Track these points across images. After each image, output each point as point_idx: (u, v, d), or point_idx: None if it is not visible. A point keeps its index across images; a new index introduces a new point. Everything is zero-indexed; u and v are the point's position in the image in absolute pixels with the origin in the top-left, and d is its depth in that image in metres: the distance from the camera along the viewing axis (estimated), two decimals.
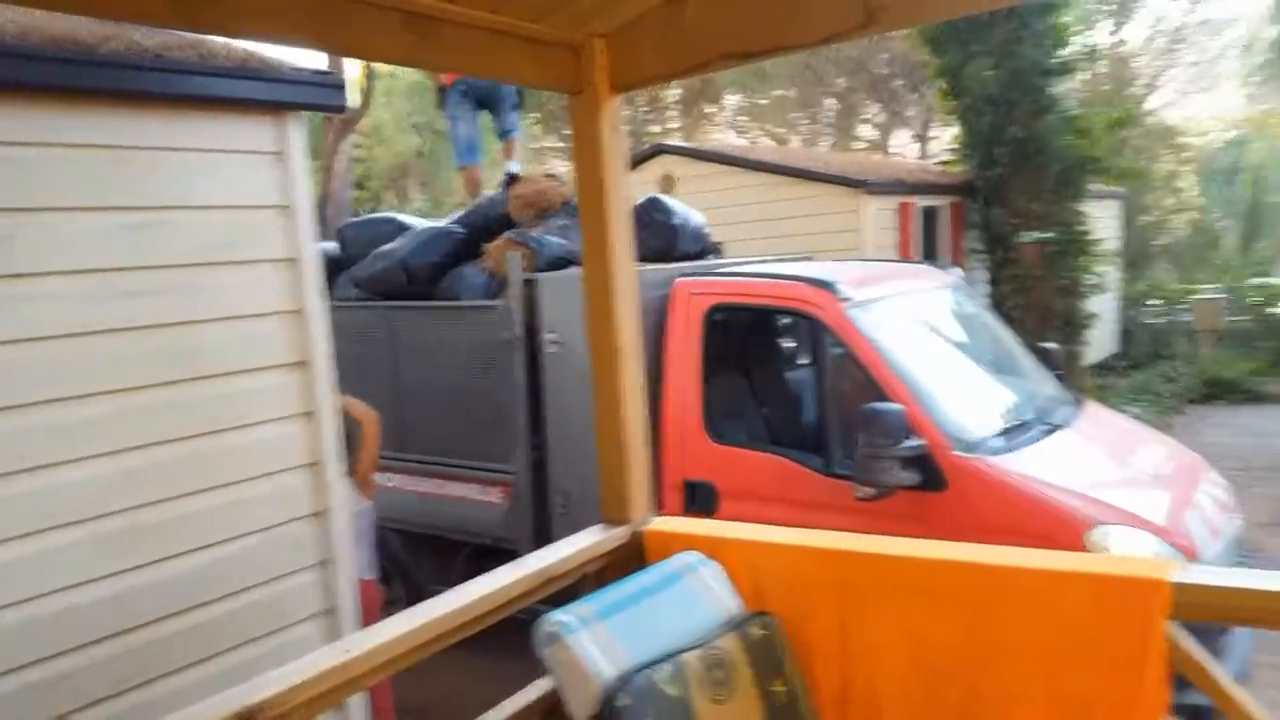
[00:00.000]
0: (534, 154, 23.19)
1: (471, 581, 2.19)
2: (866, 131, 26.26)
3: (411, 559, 5.70)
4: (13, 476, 2.73)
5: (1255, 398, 12.15)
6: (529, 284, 4.99)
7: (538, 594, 2.29)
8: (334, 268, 6.15)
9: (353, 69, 13.13)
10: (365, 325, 5.67)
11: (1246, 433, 10.39)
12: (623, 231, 2.40)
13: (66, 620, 2.85)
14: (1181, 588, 1.69)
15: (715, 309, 4.70)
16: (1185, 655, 1.71)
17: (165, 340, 3.05)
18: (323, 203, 11.36)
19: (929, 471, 3.87)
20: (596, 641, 1.93)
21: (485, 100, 6.81)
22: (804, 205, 9.64)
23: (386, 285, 5.62)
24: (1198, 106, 25.97)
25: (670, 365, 4.71)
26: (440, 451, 5.42)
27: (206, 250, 3.14)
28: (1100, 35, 21.64)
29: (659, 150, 11.27)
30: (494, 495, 5.26)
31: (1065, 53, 10.62)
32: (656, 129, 24.91)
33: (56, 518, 2.82)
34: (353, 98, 11.47)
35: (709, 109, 26.28)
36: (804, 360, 5.30)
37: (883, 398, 4.01)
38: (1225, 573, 2.52)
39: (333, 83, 3.36)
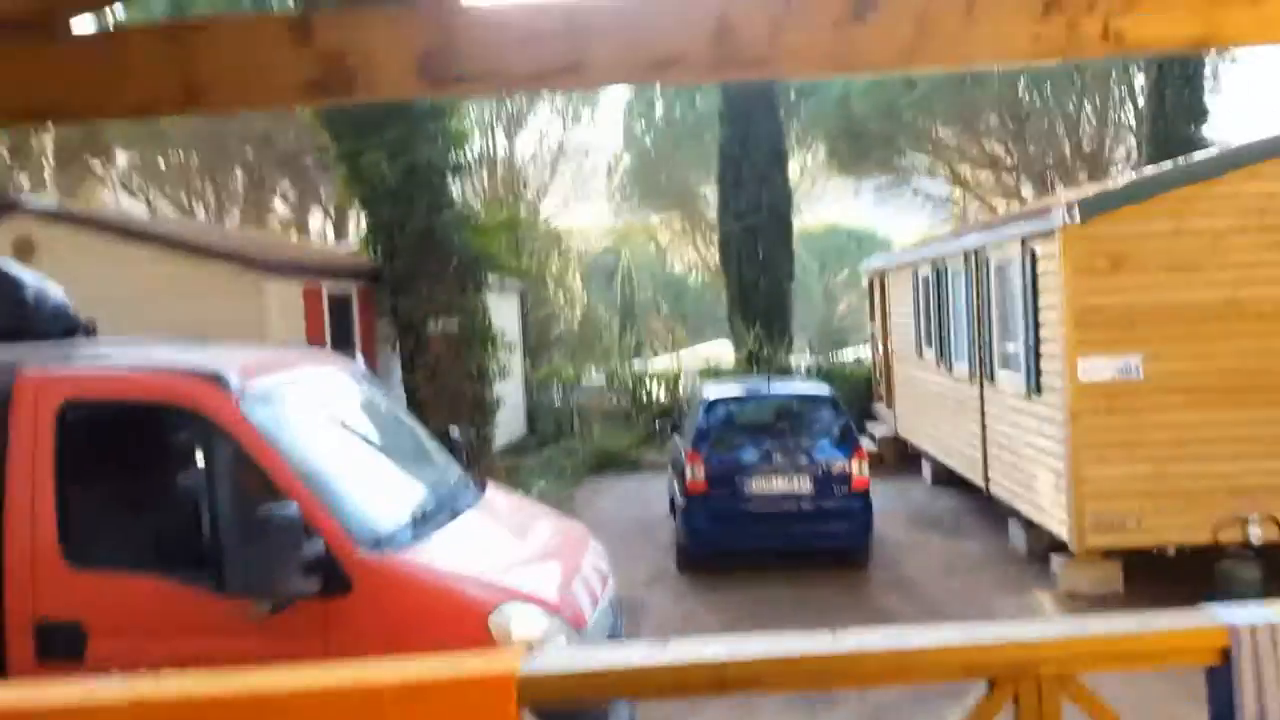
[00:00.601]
0: None
1: None
2: (281, 209, 25.47)
3: None
4: None
5: (635, 466, 14.30)
6: None
7: None
8: None
9: None
10: None
11: (629, 499, 12.13)
12: None
13: None
14: (529, 679, 1.75)
15: (74, 405, 3.94)
16: None
17: None
18: None
19: (331, 574, 3.63)
20: None
21: None
22: (202, 285, 8.86)
23: None
24: (579, 215, 30.37)
25: (13, 476, 3.81)
26: None
27: None
28: (496, 143, 24.21)
29: (11, 206, 9.46)
30: None
31: (460, 155, 11.51)
32: (25, 179, 21.02)
33: None
34: None
35: (96, 163, 23.03)
36: (190, 463, 4.71)
37: (278, 498, 3.69)
38: (573, 653, 2.70)
39: None
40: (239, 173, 23.81)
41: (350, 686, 1.79)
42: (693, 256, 33.39)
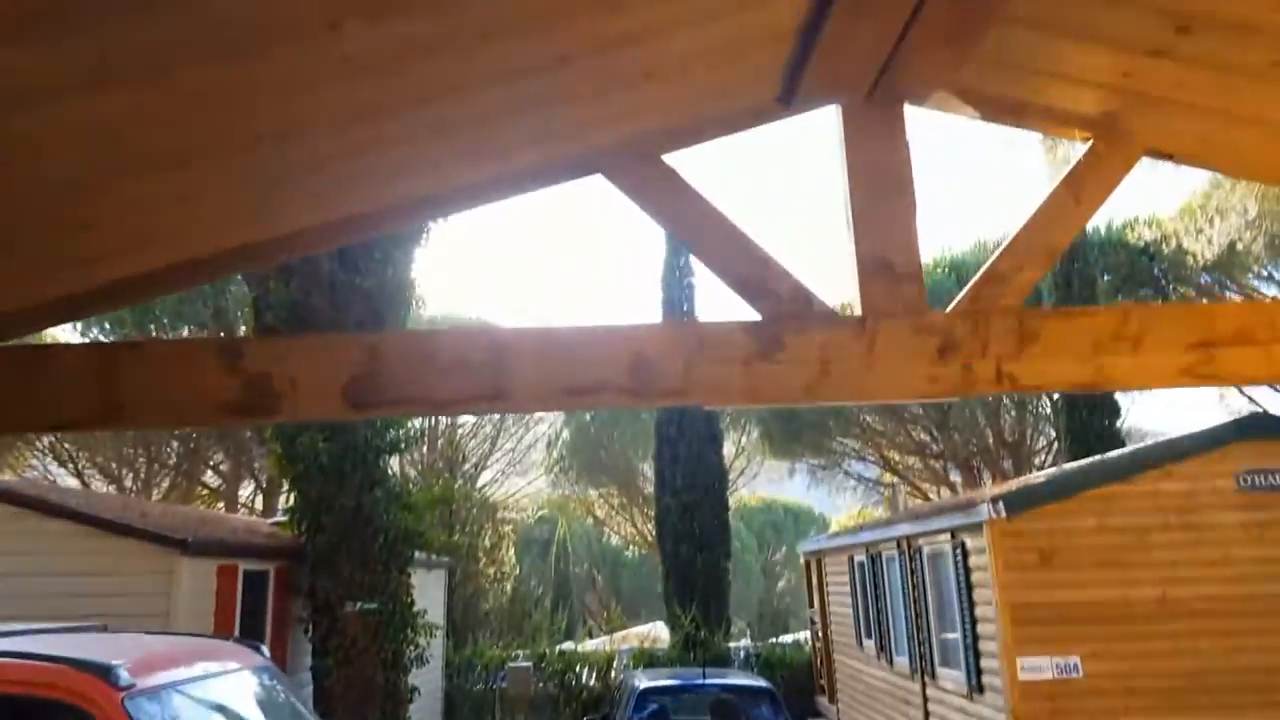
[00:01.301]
0: None
1: None
2: (212, 479, 24.96)
3: None
4: None
5: None
6: None
7: None
8: None
9: None
10: None
11: None
12: None
13: None
14: None
15: None
16: None
17: None
18: None
19: None
20: None
21: None
22: (109, 562, 8.40)
23: None
24: (514, 486, 30.25)
25: None
26: None
27: None
28: (436, 419, 24.46)
29: None
30: None
31: (397, 433, 11.55)
32: None
33: None
34: None
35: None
36: None
37: None
38: None
39: None
40: (174, 443, 23.52)
41: None
42: (630, 530, 33.10)
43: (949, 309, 2.29)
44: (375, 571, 10.57)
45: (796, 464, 28.28)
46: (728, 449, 23.38)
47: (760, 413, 24.86)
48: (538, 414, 28.97)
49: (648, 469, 25.14)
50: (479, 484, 27.14)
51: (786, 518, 36.46)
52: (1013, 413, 23.86)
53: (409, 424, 12.31)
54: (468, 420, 26.79)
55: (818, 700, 14.95)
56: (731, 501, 20.48)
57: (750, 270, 2.29)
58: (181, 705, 4.03)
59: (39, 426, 1.81)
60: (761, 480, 31.86)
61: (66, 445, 23.77)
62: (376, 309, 10.62)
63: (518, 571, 28.97)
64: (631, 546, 34.38)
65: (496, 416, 27.87)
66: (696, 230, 2.38)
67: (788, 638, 20.40)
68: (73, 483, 22.30)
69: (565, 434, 31.36)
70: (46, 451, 23.91)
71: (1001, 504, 7.52)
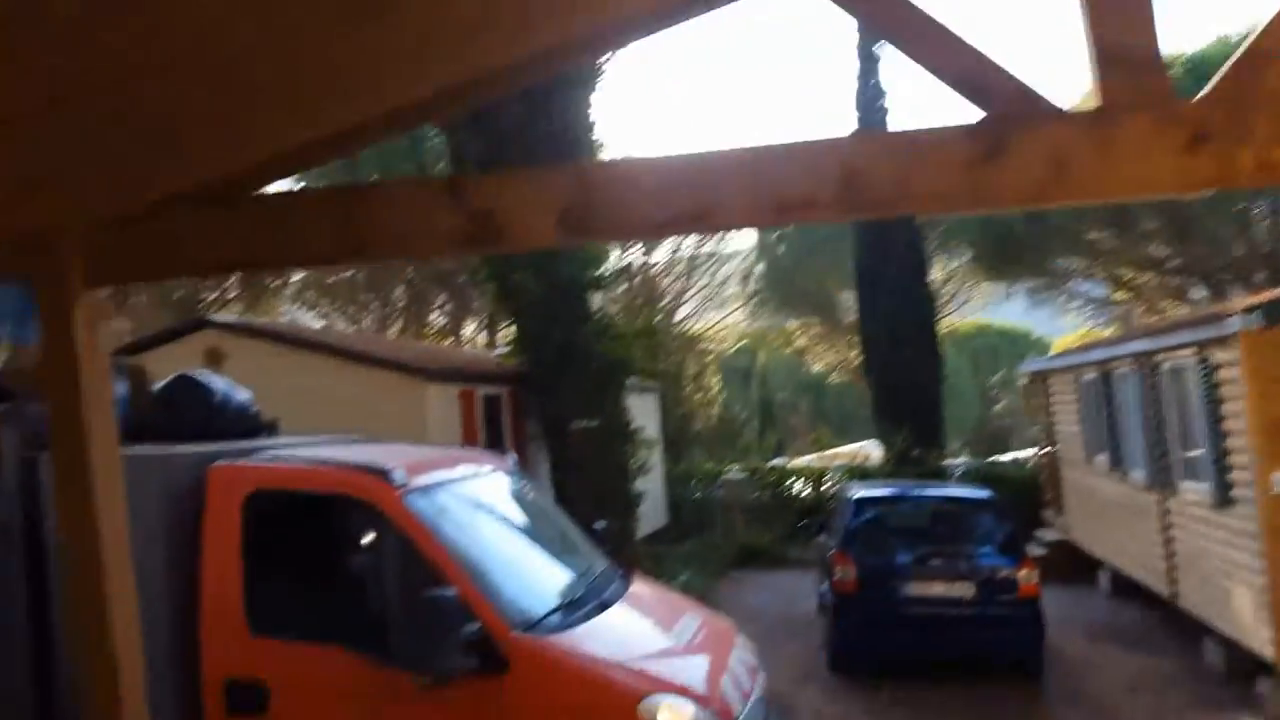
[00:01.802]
0: None
1: None
2: (438, 318, 27.00)
3: None
4: None
5: (779, 562, 14.04)
6: (28, 463, 4.22)
7: None
8: None
9: None
10: None
11: (775, 594, 11.87)
12: (104, 431, 2.12)
13: None
14: None
15: (260, 495, 4.36)
16: None
17: None
18: None
19: (488, 655, 3.85)
20: None
21: None
22: (368, 390, 9.52)
23: None
24: (713, 319, 30.69)
25: (208, 555, 4.25)
26: None
27: None
28: (633, 256, 25.01)
29: (204, 323, 10.54)
30: None
31: (600, 270, 12.08)
32: (212, 296, 23.20)
33: None
34: None
35: (272, 282, 25.21)
36: (359, 547, 5.06)
37: (440, 583, 3.95)
38: None
39: None
40: (401, 288, 25.52)
41: None
42: (833, 359, 33.02)
43: (1199, 96, 2.04)
44: (592, 395, 11.36)
45: (1013, 287, 26.61)
46: (936, 274, 22.48)
47: (971, 235, 23.48)
48: (732, 248, 28.93)
49: (848, 298, 24.68)
50: (678, 317, 27.78)
51: (1003, 342, 34.99)
52: (1268, 220, 21.23)
53: (610, 260, 12.79)
54: (663, 258, 27.17)
55: (1043, 512, 14.77)
56: (941, 326, 19.88)
57: (968, 67, 2.13)
58: (448, 500, 4.67)
59: (295, 262, 2.11)
60: (975, 305, 30.52)
61: (311, 292, 26.39)
62: (565, 151, 10.87)
63: (722, 397, 29.92)
64: (834, 374, 34.35)
65: (691, 253, 28.06)
66: (907, 30, 2.24)
67: (1006, 457, 20.06)
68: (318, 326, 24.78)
69: (760, 267, 31.19)
70: (296, 299, 26.70)
71: (1259, 313, 6.95)
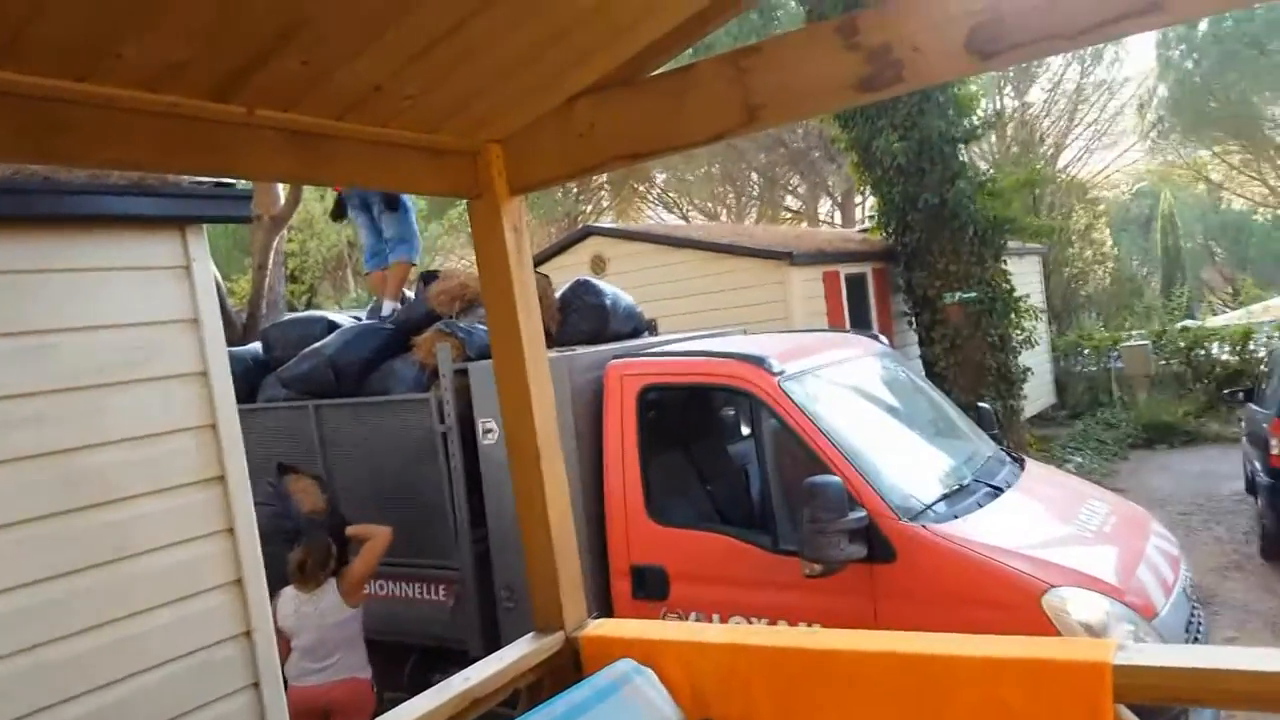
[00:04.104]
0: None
1: (391, 713, 2.06)
2: (791, 202, 26.93)
3: None
4: None
5: (1193, 439, 12.46)
6: (460, 374, 4.91)
7: (467, 717, 2.16)
8: (260, 370, 6.02)
9: None
10: (293, 426, 5.51)
11: (1189, 475, 10.60)
12: (533, 329, 2.35)
13: None
14: (1124, 669, 1.64)
15: (649, 389, 4.66)
16: None
17: (65, 466, 2.89)
18: (255, 300, 11.19)
19: (876, 543, 3.82)
20: None
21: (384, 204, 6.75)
22: (732, 279, 9.78)
23: (314, 384, 5.47)
24: (1103, 162, 27.22)
25: (609, 448, 4.63)
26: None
27: (107, 370, 3.01)
28: (1004, 100, 22.69)
29: (588, 232, 11.42)
30: (438, 593, 5.09)
31: (970, 121, 11.06)
32: (588, 208, 25.21)
33: None
34: (282, 194, 11.40)
35: (639, 187, 26.74)
36: (742, 436, 5.27)
37: (822, 470, 3.95)
38: (1168, 650, 2.38)
39: (234, 194, 3.30)
40: (754, 176, 25.74)
41: (923, 654, 1.86)
42: (1258, 191, 27.83)
43: None
44: (968, 262, 10.65)
45: None
46: None
47: None
48: (1124, 73, 25.10)
49: (1278, 113, 20.48)
50: (1060, 165, 24.93)
51: None
52: None
53: (981, 108, 11.68)
54: (1038, 98, 24.41)
55: None
56: None
57: None
58: (825, 386, 4.66)
59: (694, 139, 2.07)
60: None
61: (671, 194, 27.55)
62: None
63: (1116, 252, 26.60)
64: (1260, 211, 29.02)
65: (1071, 87, 24.84)
66: None
67: None
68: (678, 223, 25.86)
69: (1160, 90, 26.83)
70: (656, 201, 28.03)
71: None
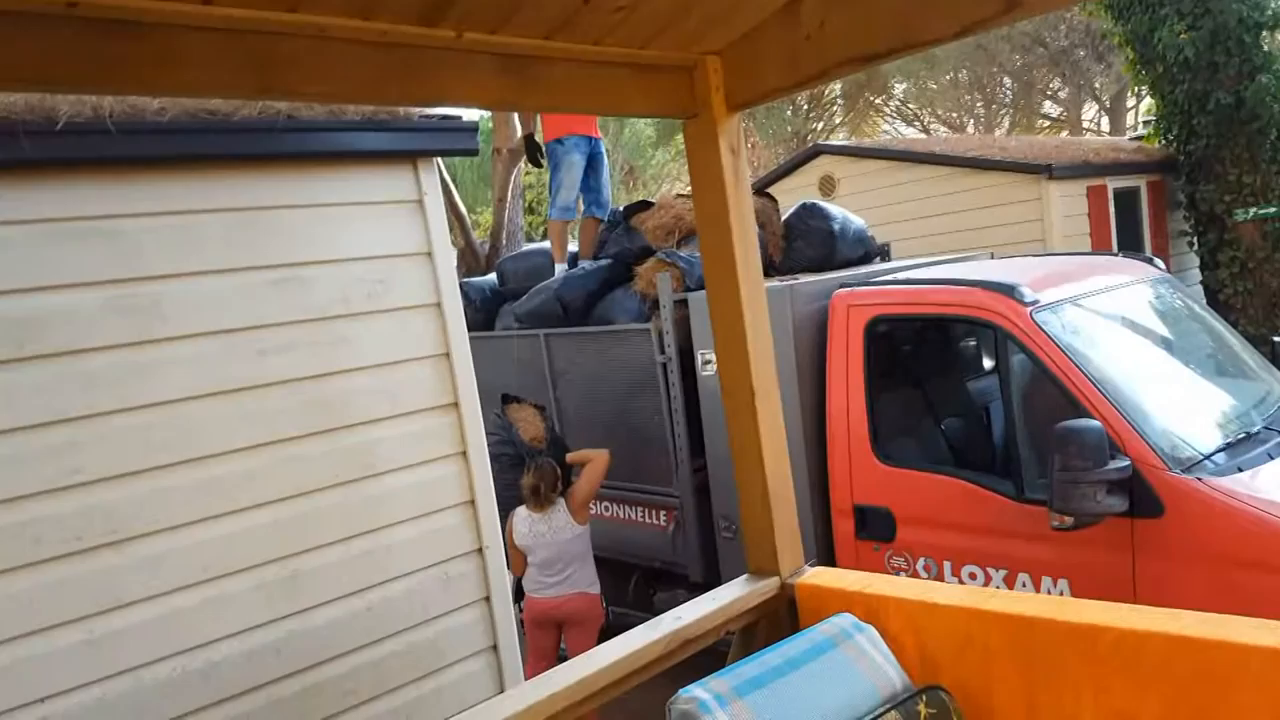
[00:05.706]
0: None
1: (605, 645, 2.05)
2: (1050, 109, 24.54)
3: None
4: (182, 529, 2.85)
5: None
6: (680, 304, 4.88)
7: (677, 656, 2.11)
8: (496, 300, 6.30)
9: None
10: (524, 354, 5.74)
11: None
12: (750, 259, 2.19)
13: (236, 666, 2.94)
14: None
15: (879, 320, 4.36)
16: None
17: (314, 391, 3.11)
18: (496, 232, 11.76)
19: (1140, 495, 3.39)
20: None
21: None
22: (981, 197, 9.02)
23: (544, 320, 5.65)
24: None
25: (832, 383, 4.41)
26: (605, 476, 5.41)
27: (350, 301, 3.18)
28: None
29: (817, 151, 10.90)
30: (659, 519, 5.17)
31: (1277, 2, 9.42)
32: (819, 125, 24.26)
33: (223, 567, 2.93)
34: (519, 128, 11.79)
35: (876, 100, 25.34)
36: (984, 373, 4.86)
37: (1079, 413, 3.55)
38: None
39: (462, 126, 3.34)
40: (1007, 81, 23.63)
41: (1208, 639, 1.58)
42: None
43: None
44: (1266, 172, 9.20)
45: None
46: None
47: None
48: None
49: None
50: None
51: None
52: None
53: None
54: None
55: None
56: None
57: None
58: (1086, 318, 4.15)
59: (940, 37, 1.78)
60: None
61: (910, 105, 25.91)
62: None
63: None
64: None
65: None
66: None
67: None
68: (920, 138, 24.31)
69: None
70: (894, 115, 26.45)
71: None
